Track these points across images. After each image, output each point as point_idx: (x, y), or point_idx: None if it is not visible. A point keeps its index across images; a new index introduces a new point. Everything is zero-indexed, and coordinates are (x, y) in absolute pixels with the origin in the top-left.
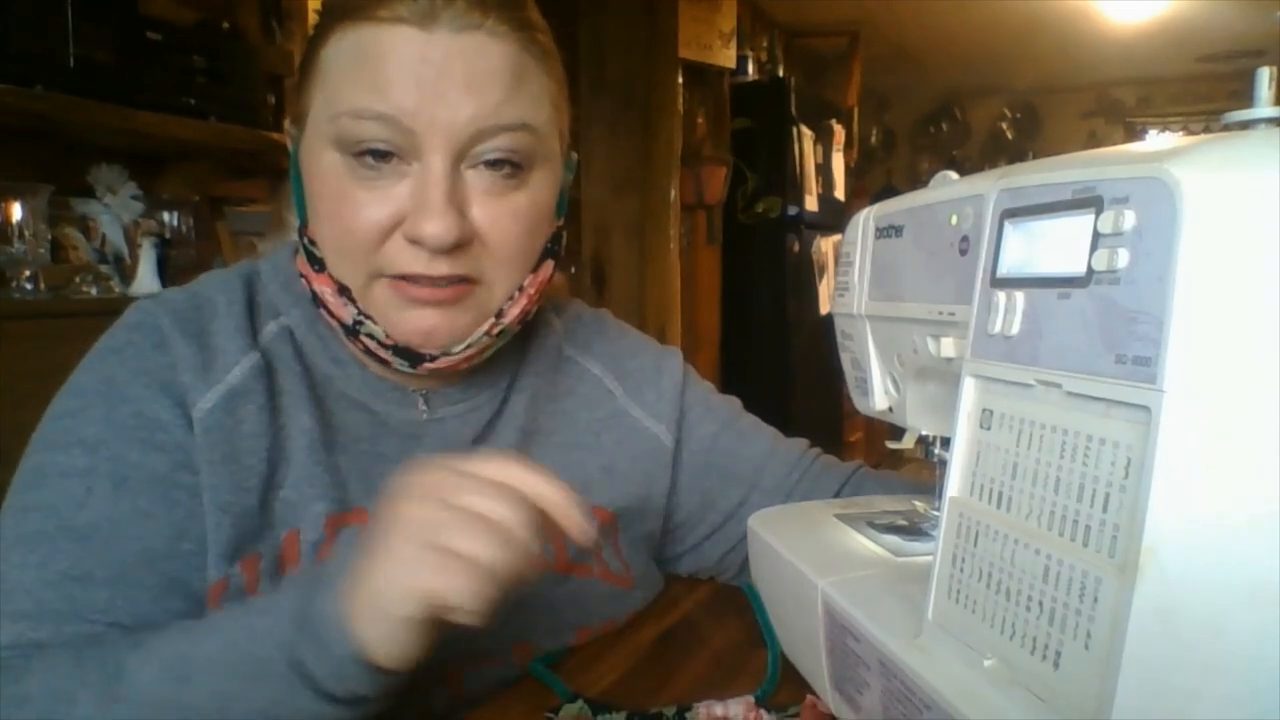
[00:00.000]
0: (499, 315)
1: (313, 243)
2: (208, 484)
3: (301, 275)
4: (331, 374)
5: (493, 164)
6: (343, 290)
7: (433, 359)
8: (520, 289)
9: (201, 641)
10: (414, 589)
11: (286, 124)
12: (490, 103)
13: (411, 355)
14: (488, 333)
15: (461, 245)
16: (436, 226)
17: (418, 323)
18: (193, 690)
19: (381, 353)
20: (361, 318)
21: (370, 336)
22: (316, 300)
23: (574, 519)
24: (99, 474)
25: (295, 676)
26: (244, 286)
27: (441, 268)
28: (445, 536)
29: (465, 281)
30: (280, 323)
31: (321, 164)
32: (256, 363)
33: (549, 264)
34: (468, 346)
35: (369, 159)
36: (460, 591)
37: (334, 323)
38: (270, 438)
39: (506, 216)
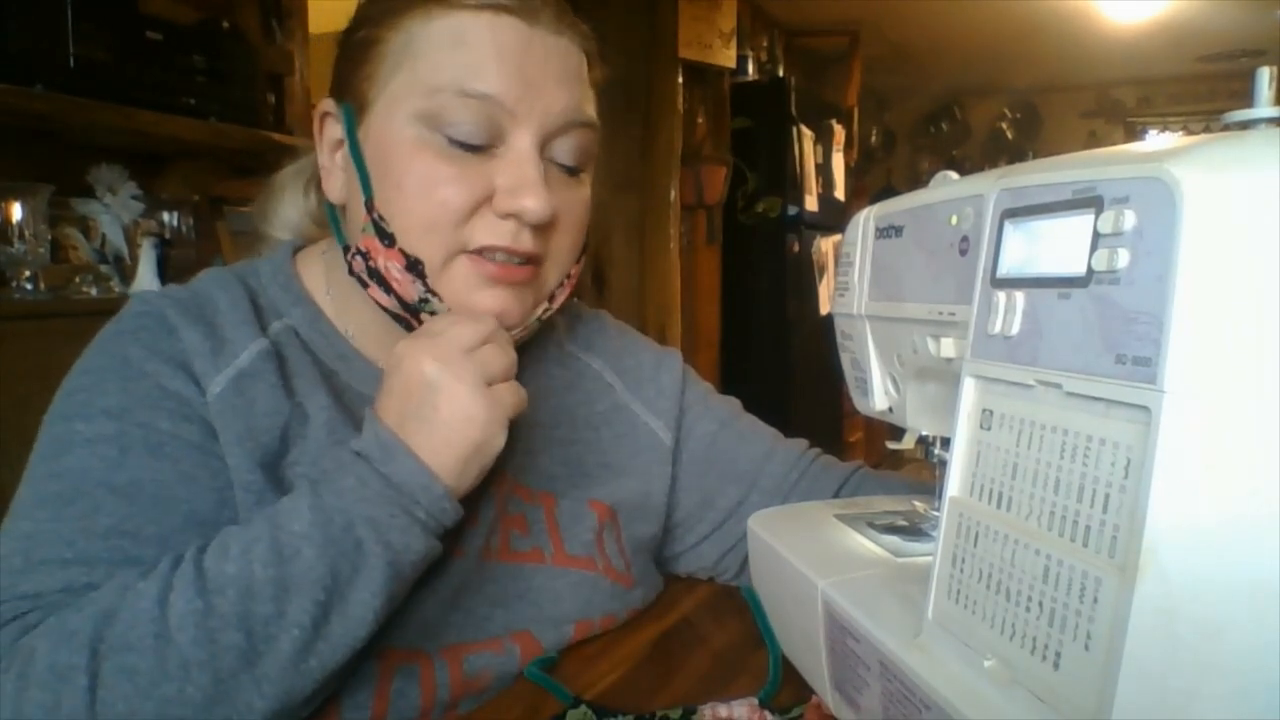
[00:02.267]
0: (550, 299)
1: (382, 219)
2: (230, 464)
3: (361, 253)
4: (338, 369)
5: (561, 164)
6: (411, 266)
7: None
8: (568, 276)
9: (285, 525)
10: (492, 421)
11: (328, 103)
12: (575, 99)
13: None
14: (539, 317)
15: (544, 224)
16: (536, 201)
17: (491, 302)
18: (299, 564)
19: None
20: (428, 295)
21: (432, 314)
22: (376, 277)
23: None
24: (131, 438)
25: (409, 525)
26: (243, 286)
27: (526, 242)
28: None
29: (536, 261)
30: (284, 323)
31: (405, 137)
32: (265, 348)
33: (583, 257)
34: (522, 330)
35: (458, 145)
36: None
37: (389, 301)
38: (286, 415)
39: (576, 205)
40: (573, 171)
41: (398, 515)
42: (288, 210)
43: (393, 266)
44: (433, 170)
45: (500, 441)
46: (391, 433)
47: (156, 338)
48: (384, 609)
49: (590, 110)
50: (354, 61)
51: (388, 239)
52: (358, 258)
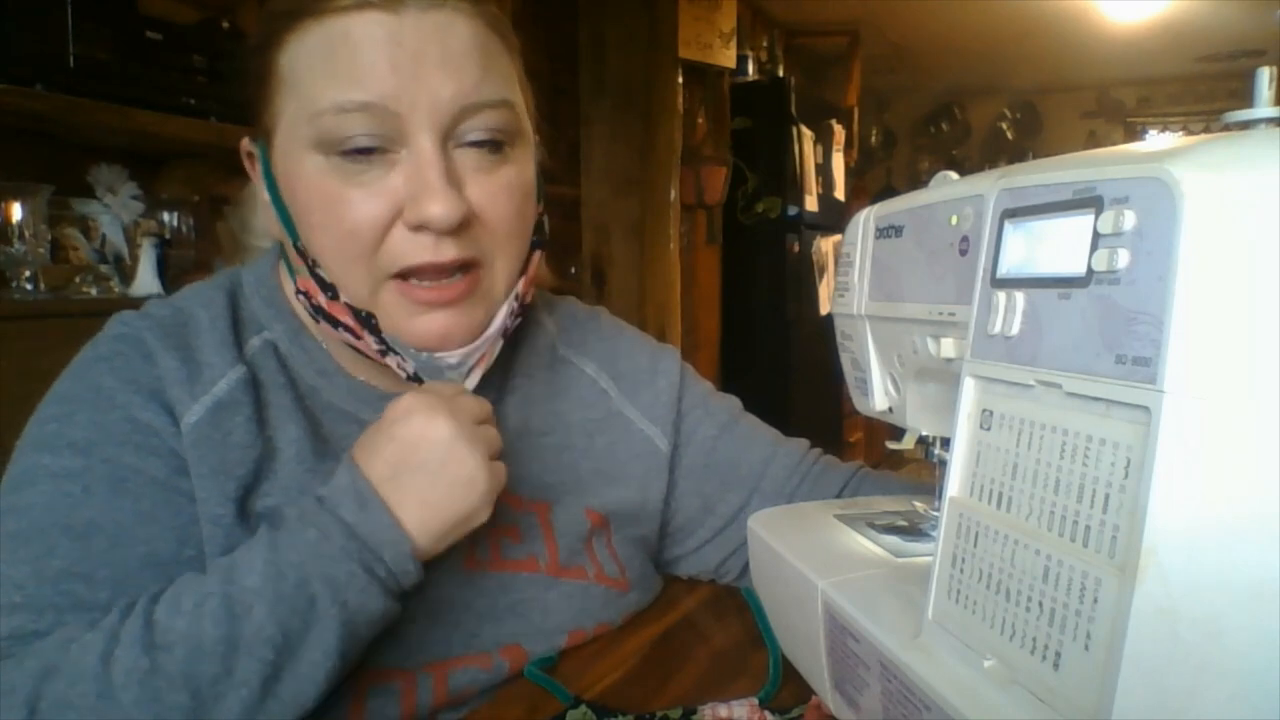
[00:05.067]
0: (519, 299)
1: (315, 263)
2: (199, 496)
3: (302, 292)
4: (317, 385)
5: (477, 143)
6: (364, 322)
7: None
8: (523, 272)
9: (239, 580)
10: (489, 494)
11: (245, 144)
12: (469, 81)
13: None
14: (509, 325)
15: (464, 225)
16: (440, 206)
17: (430, 326)
18: (250, 623)
19: (404, 371)
20: (385, 344)
21: (399, 365)
22: (322, 314)
23: None
24: (95, 475)
25: (368, 585)
26: (226, 300)
27: (448, 252)
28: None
29: (471, 268)
30: (264, 337)
31: (304, 170)
32: (243, 375)
33: (538, 254)
34: (479, 348)
35: (354, 155)
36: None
37: (339, 335)
38: (259, 449)
39: (501, 191)
40: (494, 149)
41: (357, 574)
42: (260, 218)
43: (347, 320)
44: (337, 196)
45: (485, 517)
46: (370, 484)
47: (132, 364)
48: (337, 669)
49: (498, 87)
50: (255, 93)
51: (329, 290)
52: (300, 296)
